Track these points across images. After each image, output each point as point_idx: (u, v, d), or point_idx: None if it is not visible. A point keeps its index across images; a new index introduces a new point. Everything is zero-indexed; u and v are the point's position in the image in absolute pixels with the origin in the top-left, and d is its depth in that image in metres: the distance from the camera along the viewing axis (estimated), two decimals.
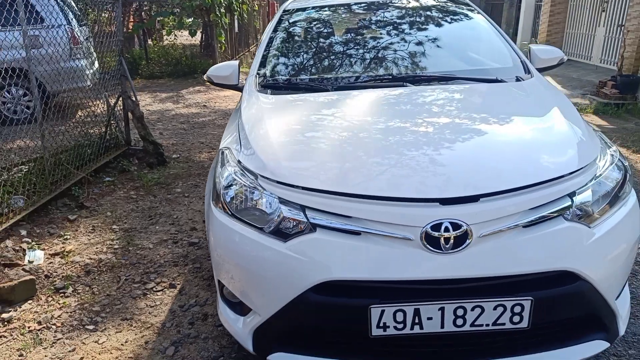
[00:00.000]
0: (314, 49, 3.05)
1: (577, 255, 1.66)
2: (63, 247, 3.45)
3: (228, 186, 1.98)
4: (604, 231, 1.73)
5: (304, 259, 1.68)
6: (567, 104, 2.34)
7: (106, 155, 5.09)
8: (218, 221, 1.93)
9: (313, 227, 1.71)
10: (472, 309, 1.61)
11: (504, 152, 1.89)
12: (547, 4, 12.39)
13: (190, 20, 12.53)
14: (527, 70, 2.70)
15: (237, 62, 3.01)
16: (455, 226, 1.61)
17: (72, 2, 8.13)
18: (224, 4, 12.67)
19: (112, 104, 5.45)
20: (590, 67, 10.93)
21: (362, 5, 3.43)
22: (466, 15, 3.23)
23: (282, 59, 3.01)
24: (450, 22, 3.15)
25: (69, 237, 3.62)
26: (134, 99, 5.45)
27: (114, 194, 4.47)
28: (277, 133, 2.11)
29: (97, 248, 3.45)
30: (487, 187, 1.66)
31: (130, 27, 13.50)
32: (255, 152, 2.00)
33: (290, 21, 3.35)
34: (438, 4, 3.39)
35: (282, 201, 1.79)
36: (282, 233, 1.76)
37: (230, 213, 1.91)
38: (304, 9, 3.45)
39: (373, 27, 3.18)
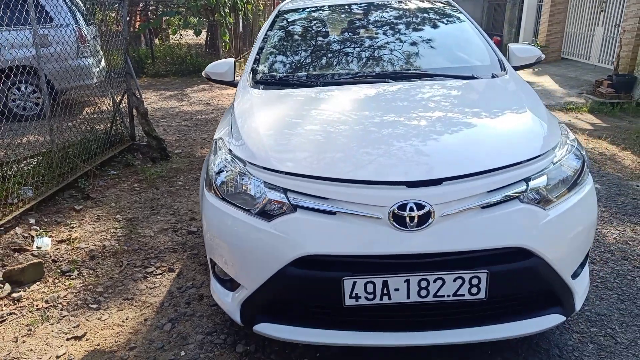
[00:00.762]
0: (305, 48, 3.25)
1: (531, 234, 1.83)
2: (69, 235, 3.66)
3: (219, 172, 2.17)
4: (558, 213, 1.91)
5: (285, 237, 1.87)
6: (534, 98, 2.52)
7: (111, 150, 5.31)
8: (210, 204, 2.12)
9: (294, 208, 1.90)
10: (434, 281, 1.79)
11: (468, 141, 2.08)
12: (548, 3, 12.51)
13: (195, 19, 12.74)
14: (503, 68, 2.88)
15: (232, 60, 3.21)
16: (419, 206, 1.79)
17: (79, 1, 8.37)
18: (228, 4, 12.89)
19: (117, 101, 5.66)
20: (589, 66, 11.05)
21: (352, 7, 3.62)
22: (449, 16, 3.42)
23: (274, 57, 3.20)
24: (433, 23, 3.34)
25: (75, 225, 3.83)
26: (138, 96, 5.66)
27: (118, 186, 4.68)
28: (265, 125, 2.31)
29: (101, 236, 3.65)
30: (449, 172, 1.84)
31: (137, 27, 13.74)
32: (244, 142, 2.19)
33: (284, 21, 3.54)
34: (423, 5, 3.58)
35: (267, 185, 1.97)
36: (266, 214, 1.95)
37: (221, 197, 2.10)
38: (297, 10, 3.64)
39: (361, 27, 3.38)
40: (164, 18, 13.44)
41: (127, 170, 5.16)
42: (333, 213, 1.85)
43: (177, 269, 3.15)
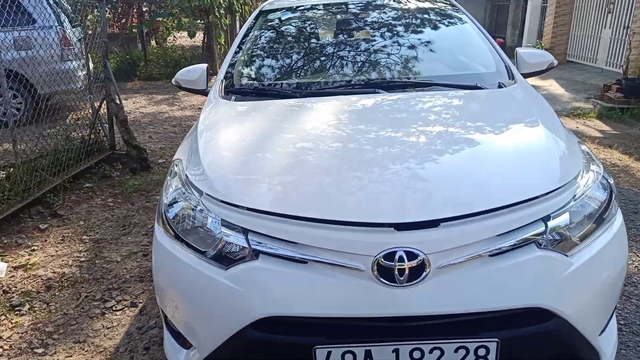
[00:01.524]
0: (287, 53, 2.86)
1: (551, 289, 1.46)
2: (28, 259, 3.29)
3: (172, 203, 1.80)
4: (584, 260, 1.54)
5: (244, 291, 1.50)
6: (549, 113, 2.14)
7: (87, 161, 4.93)
8: (159, 242, 1.76)
9: (255, 254, 1.53)
10: (431, 352, 1.42)
11: (471, 170, 1.69)
12: (552, 5, 12.13)
13: (188, 20, 12.40)
14: (511, 76, 2.50)
15: (205, 66, 2.84)
16: (411, 255, 1.42)
17: (64, 2, 8.02)
18: (224, 5, 12.53)
19: (96, 108, 5.30)
20: (596, 69, 10.66)
21: (342, 8, 3.24)
22: (449, 16, 3.03)
23: (251, 63, 2.83)
24: (431, 24, 2.96)
25: (36, 248, 3.46)
26: (118, 102, 5.30)
27: (91, 201, 4.31)
28: (230, 145, 1.93)
29: (62, 261, 3.28)
30: (448, 210, 1.46)
31: (129, 28, 13.42)
32: (202, 166, 1.82)
33: (264, 23, 3.17)
34: (420, 5, 3.19)
35: (225, 224, 1.60)
36: (224, 259, 1.58)
37: (172, 234, 1.73)
38: (279, 10, 3.27)
39: (351, 30, 3.00)
40: (159, 19, 13.09)
41: (104, 182, 4.80)
42: (304, 262, 1.48)
43: (140, 302, 2.77)
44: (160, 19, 12.93)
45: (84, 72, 7.10)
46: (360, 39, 2.83)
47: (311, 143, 1.91)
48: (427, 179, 1.63)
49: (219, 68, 2.97)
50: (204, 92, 2.78)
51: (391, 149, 1.79)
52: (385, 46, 2.72)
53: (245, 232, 1.56)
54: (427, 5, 3.18)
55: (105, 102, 5.30)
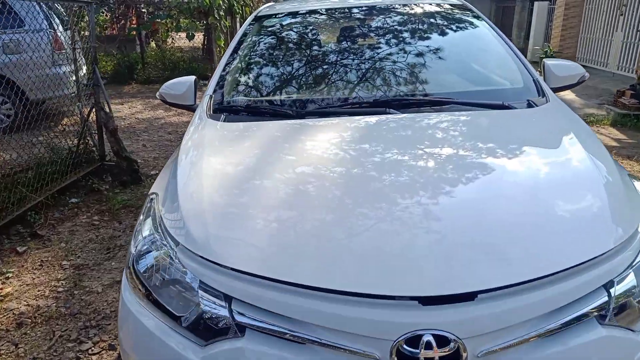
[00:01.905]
0: (284, 65, 2.55)
1: None
2: (1, 289, 2.99)
3: (143, 253, 1.49)
4: None
5: None
6: (593, 140, 1.81)
7: (74, 173, 4.63)
8: (125, 303, 1.45)
9: (241, 330, 1.22)
10: None
11: (512, 223, 1.35)
12: (561, 7, 11.80)
13: (186, 22, 12.10)
14: (541, 92, 2.18)
15: (193, 78, 2.53)
16: (442, 340, 1.11)
17: (58, 5, 7.74)
18: (224, 7, 12.24)
19: (85, 116, 5.00)
20: (607, 74, 10.33)
21: (344, 12, 2.93)
22: (468, 23, 2.71)
23: (244, 76, 2.52)
24: (447, 32, 2.64)
25: (11, 275, 3.16)
26: (108, 110, 4.99)
27: (75, 219, 4.01)
28: (214, 182, 1.62)
29: (39, 291, 2.98)
30: (487, 279, 1.15)
31: (126, 30, 13.14)
32: (180, 209, 1.51)
33: (259, 30, 2.86)
34: (433, 9, 2.87)
35: (204, 287, 1.29)
36: (203, 331, 1.27)
37: (141, 292, 1.42)
38: (276, 16, 2.95)
39: (355, 38, 2.68)
40: (157, 21, 12.80)
41: (91, 197, 4.49)
42: (301, 342, 1.17)
43: (119, 345, 2.46)
44: (159, 20, 12.63)
45: (74, 78, 6.83)
46: (367, 49, 2.52)
47: (314, 185, 1.58)
48: (455, 235, 1.30)
49: None
50: (192, 108, 2.47)
51: (411, 196, 1.46)
52: (395, 57, 2.41)
53: (228, 299, 1.25)
54: (440, 9, 2.86)
55: (94, 110, 5.00)
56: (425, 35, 2.56)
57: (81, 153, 4.92)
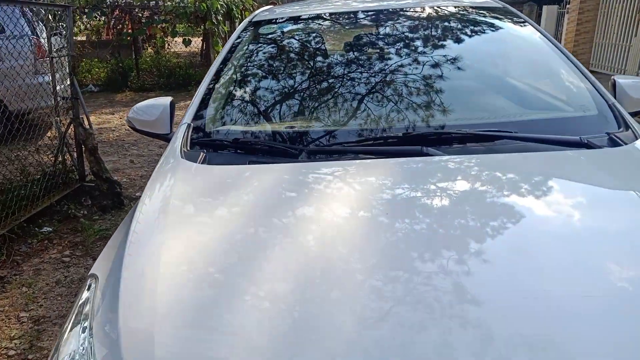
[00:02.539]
0: (286, 85, 2.02)
1: None
2: None
3: None
4: None
5: None
6: None
7: (47, 198, 4.10)
8: None
9: None
10: None
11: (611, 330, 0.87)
12: (575, 12, 11.30)
13: (183, 26, 11.63)
14: (622, 123, 1.64)
15: (168, 101, 2.02)
16: None
17: (41, 9, 7.26)
18: (221, 11, 11.77)
19: (62, 133, 4.49)
20: None
21: (359, 17, 2.40)
22: (513, 30, 2.18)
23: (231, 100, 1.99)
24: (489, 41, 2.12)
25: None
26: (86, 126, 4.48)
27: (44, 254, 3.49)
28: (174, 281, 1.09)
29: None
30: None
31: (113, 35, 12.71)
32: (118, 319, 0.98)
33: (255, 39, 2.33)
34: (468, 13, 2.34)
35: None
36: None
37: None
38: (276, 21, 2.42)
39: (374, 51, 2.14)
40: (153, 25, 12.32)
41: (66, 225, 3.98)
42: None
43: None
44: (155, 25, 12.15)
45: (61, 87, 6.35)
46: (389, 64, 1.98)
47: (317, 275, 1.04)
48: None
49: None
50: (167, 138, 1.95)
51: (464, 297, 0.95)
52: (426, 74, 1.87)
53: None
54: (477, 14, 2.32)
55: (72, 126, 4.49)
56: (463, 46, 2.03)
57: (58, 173, 4.40)
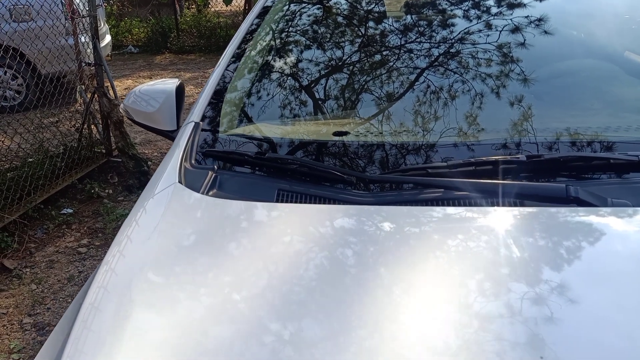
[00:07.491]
0: (342, 71, 1.45)
1: None
2: None
3: None
4: None
5: None
6: None
7: (69, 176, 3.77)
8: None
9: None
10: None
11: None
12: None
13: None
14: None
15: (174, 85, 1.53)
16: None
17: None
18: None
19: (87, 103, 4.12)
20: None
21: None
22: None
23: (251, 98, 1.45)
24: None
25: None
26: (112, 96, 4.09)
27: (60, 242, 3.17)
28: None
29: None
30: None
31: None
32: None
33: (282, 16, 1.77)
34: None
35: None
36: None
37: None
38: None
39: (454, 34, 1.54)
40: None
41: (88, 206, 3.65)
42: None
43: None
44: None
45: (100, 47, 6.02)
46: (484, 58, 1.39)
47: None
48: None
49: None
50: (171, 136, 1.48)
51: None
52: (545, 77, 1.28)
53: None
54: None
55: (96, 95, 4.11)
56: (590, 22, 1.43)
57: (83, 147, 4.06)
